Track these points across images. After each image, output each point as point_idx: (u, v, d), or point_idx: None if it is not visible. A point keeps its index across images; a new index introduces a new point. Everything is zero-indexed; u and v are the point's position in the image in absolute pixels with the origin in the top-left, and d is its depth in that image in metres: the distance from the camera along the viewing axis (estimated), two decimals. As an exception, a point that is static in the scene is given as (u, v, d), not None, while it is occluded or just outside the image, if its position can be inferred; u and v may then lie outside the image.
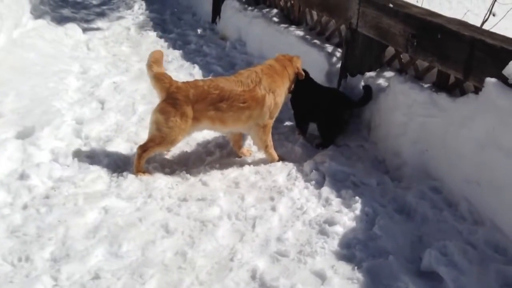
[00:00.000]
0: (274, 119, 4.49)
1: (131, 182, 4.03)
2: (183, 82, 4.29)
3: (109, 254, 3.20)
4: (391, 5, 4.60)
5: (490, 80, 3.49)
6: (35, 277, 2.94)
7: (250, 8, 7.86)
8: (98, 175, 4.08)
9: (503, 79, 3.40)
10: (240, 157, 4.63)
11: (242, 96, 4.23)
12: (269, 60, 4.67)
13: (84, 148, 4.55)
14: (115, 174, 4.16)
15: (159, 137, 4.15)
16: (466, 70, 3.81)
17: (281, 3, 7.34)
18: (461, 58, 3.84)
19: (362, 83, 4.99)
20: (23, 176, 3.92)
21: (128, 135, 4.84)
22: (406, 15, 4.40)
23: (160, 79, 4.17)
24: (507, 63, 3.35)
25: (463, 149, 3.71)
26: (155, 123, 4.18)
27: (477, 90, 3.77)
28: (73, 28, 8.16)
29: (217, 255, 3.25)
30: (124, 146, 4.64)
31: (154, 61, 4.21)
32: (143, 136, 4.70)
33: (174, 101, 4.12)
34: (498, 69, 3.43)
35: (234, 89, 4.23)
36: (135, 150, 4.49)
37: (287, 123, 5.25)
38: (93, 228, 3.43)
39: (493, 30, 4.32)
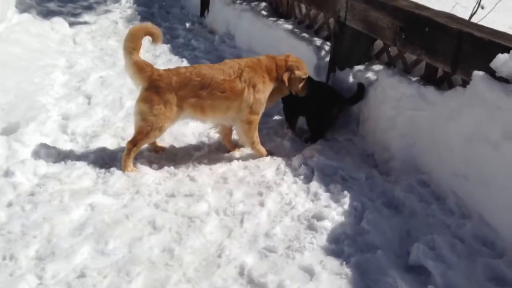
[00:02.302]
0: (259, 115, 4.38)
1: (118, 178, 3.98)
2: (165, 70, 4.22)
3: (95, 251, 3.16)
4: (379, -2, 4.58)
5: (477, 73, 3.48)
6: (20, 276, 2.89)
7: (238, 1, 7.81)
8: (84, 172, 4.04)
9: (491, 72, 3.39)
10: (229, 151, 4.60)
11: (222, 85, 4.16)
12: (264, 55, 4.54)
13: (70, 144, 4.50)
14: (102, 170, 4.11)
15: (146, 127, 4.09)
16: (453, 63, 3.80)
17: (270, -4, 7.29)
18: (449, 51, 3.83)
19: (351, 78, 4.97)
20: (7, 173, 3.87)
21: (115, 131, 4.79)
22: (394, 8, 4.37)
23: (141, 68, 4.06)
24: (494, 56, 3.33)
25: (451, 143, 3.70)
26: (139, 113, 4.11)
27: (465, 83, 3.76)
28: (59, 22, 8.07)
29: (204, 252, 3.23)
30: (111, 142, 4.59)
31: (133, 46, 4.04)
32: (131, 131, 4.65)
33: (156, 89, 4.05)
34: (485, 62, 3.41)
35: (215, 77, 4.16)
36: (122, 145, 4.47)
37: (276, 117, 5.23)
38: (79, 226, 3.39)
39: (481, 23, 4.32)
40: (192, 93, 4.11)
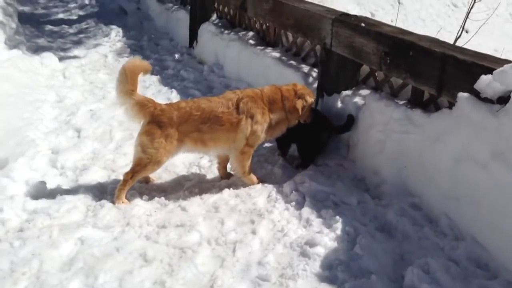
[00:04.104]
0: (253, 147, 4.36)
1: (108, 210, 3.94)
2: (167, 104, 4.26)
3: (85, 286, 3.11)
4: (363, 25, 4.66)
5: (462, 95, 3.53)
6: (8, 315, 2.84)
7: (226, 31, 7.90)
8: (74, 205, 3.98)
9: (475, 94, 3.44)
10: (221, 178, 4.59)
11: (221, 118, 4.19)
12: (269, 85, 4.50)
13: (59, 178, 4.47)
14: (92, 203, 4.07)
15: (145, 159, 4.08)
16: (439, 86, 3.85)
17: (257, 25, 7.39)
18: (433, 74, 3.88)
19: (339, 103, 5.01)
20: (-4, 210, 3.82)
21: (105, 163, 4.77)
22: (378, 34, 4.45)
23: (143, 105, 4.08)
24: (478, 78, 3.39)
25: (440, 164, 3.72)
26: (140, 145, 4.11)
27: (451, 105, 3.80)
28: (49, 57, 8.07)
29: (197, 283, 3.18)
30: (101, 174, 4.56)
31: (133, 88, 4.04)
32: (121, 164, 4.66)
33: (159, 123, 4.07)
34: (470, 84, 3.47)
35: (214, 111, 4.19)
36: (112, 178, 4.45)
37: (266, 144, 5.23)
38: (68, 261, 3.34)
39: (466, 46, 4.39)
40: (192, 128, 4.14)
